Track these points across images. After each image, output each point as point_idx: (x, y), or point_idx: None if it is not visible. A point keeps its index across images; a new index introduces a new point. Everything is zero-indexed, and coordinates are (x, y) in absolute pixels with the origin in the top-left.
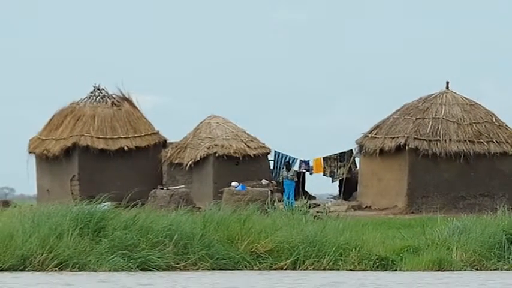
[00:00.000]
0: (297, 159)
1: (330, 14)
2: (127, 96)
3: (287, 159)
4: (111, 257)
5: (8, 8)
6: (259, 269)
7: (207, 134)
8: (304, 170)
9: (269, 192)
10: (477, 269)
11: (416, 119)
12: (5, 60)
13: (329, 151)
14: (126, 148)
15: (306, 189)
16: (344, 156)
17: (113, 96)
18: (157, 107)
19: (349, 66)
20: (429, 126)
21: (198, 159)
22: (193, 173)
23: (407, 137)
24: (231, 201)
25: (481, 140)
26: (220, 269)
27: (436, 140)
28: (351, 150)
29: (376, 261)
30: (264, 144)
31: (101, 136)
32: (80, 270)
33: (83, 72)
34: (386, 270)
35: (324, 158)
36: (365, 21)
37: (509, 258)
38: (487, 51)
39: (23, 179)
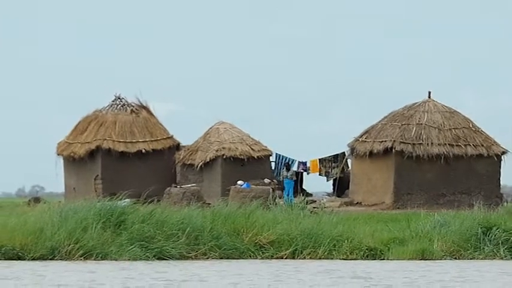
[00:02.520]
0: (295, 160)
1: (326, 30)
2: (144, 105)
3: (287, 161)
4: (131, 247)
5: (39, 26)
6: (262, 258)
7: (216, 138)
8: (302, 170)
9: (271, 190)
10: (456, 258)
11: (402, 124)
12: (36, 74)
13: (324, 153)
14: (143, 151)
15: (303, 187)
16: (338, 158)
17: (132, 104)
18: (172, 114)
19: (342, 77)
20: (413, 131)
21: (208, 160)
22: (204, 173)
23: (394, 141)
24: (237, 198)
25: (459, 144)
26: (228, 258)
27: (420, 144)
28: (344, 152)
29: (366, 251)
30: (266, 147)
31: (121, 140)
32: (103, 259)
33: (106, 83)
34: (375, 259)
35: (319, 159)
36: (357, 38)
37: (484, 248)
38: (465, 65)
39: (52, 178)
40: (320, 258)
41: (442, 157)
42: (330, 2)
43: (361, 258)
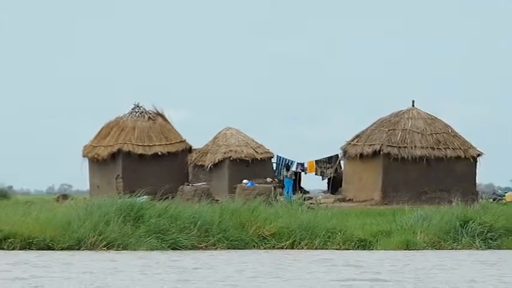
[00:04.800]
0: (294, 161)
1: (323, 44)
2: (160, 112)
3: (287, 162)
4: (148, 239)
5: (66, 39)
6: (265, 249)
7: (224, 141)
8: (300, 170)
9: (272, 188)
10: (436, 249)
11: (389, 130)
12: (66, 85)
13: (320, 155)
14: (159, 153)
15: (301, 185)
16: (332, 159)
17: (150, 112)
18: (185, 121)
19: (336, 88)
20: (399, 136)
21: (217, 161)
22: (213, 172)
23: (382, 144)
24: (242, 195)
25: (440, 147)
26: (234, 248)
27: (404, 147)
28: (337, 154)
29: (357, 242)
30: (268, 150)
31: (139, 143)
32: (124, 249)
33: (126, 93)
34: (364, 250)
35: (316, 160)
36: (350, 51)
37: (461, 240)
38: (445, 76)
39: (78, 177)
40: (316, 248)
41: (425, 159)
42: (323, 21)
43: (353, 249)
